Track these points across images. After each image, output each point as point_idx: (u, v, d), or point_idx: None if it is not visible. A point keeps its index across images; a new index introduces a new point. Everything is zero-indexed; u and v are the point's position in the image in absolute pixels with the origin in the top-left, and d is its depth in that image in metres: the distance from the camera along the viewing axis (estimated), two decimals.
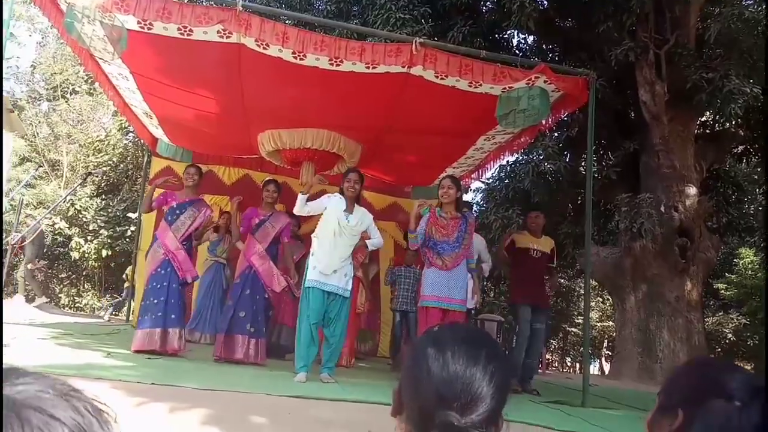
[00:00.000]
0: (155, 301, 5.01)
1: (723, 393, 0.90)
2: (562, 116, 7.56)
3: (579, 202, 9.89)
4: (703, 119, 9.82)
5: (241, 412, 2.85)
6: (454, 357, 0.86)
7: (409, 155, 7.21)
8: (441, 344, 0.88)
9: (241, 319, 5.19)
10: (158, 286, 5.05)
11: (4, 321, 5.75)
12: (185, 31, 4.60)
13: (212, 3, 7.31)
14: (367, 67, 4.81)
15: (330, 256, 4.54)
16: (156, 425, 2.56)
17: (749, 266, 12.22)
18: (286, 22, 6.57)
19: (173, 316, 5.02)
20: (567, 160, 9.52)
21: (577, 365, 21.31)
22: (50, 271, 14.93)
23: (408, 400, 0.88)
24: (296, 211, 4.71)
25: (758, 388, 0.88)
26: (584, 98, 5.14)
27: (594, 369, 19.79)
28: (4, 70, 15.47)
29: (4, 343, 4.20)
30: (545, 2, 8.92)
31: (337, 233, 4.57)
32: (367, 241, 4.83)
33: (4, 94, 11.68)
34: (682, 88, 7.81)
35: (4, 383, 0.52)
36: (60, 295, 14.48)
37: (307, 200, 4.68)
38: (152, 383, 3.15)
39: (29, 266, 9.13)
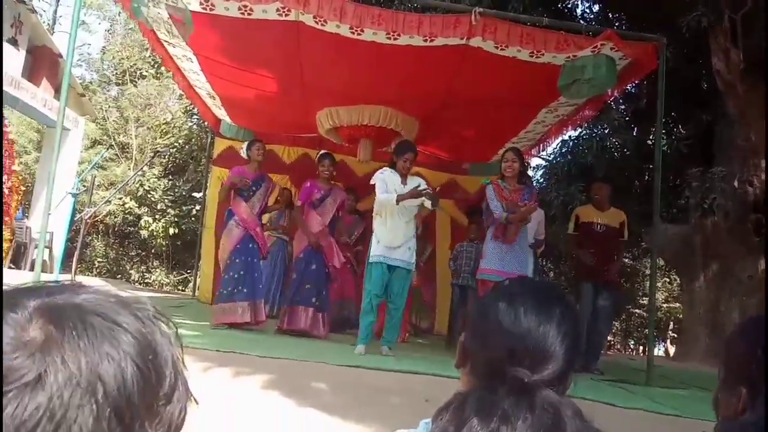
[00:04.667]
0: (236, 275, 5.14)
1: None
2: (629, 87, 7.27)
3: (647, 177, 9.50)
4: None
5: (301, 378, 2.92)
6: (527, 312, 0.83)
7: (468, 130, 7.10)
8: (513, 298, 0.85)
9: (306, 290, 5.29)
10: (244, 259, 5.20)
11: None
12: (245, 10, 4.67)
13: None
14: (425, 40, 4.75)
15: (394, 233, 4.60)
16: (220, 389, 2.66)
17: None
18: None
19: (260, 287, 5.29)
20: (634, 133, 9.15)
21: (640, 347, 20.69)
22: (121, 249, 15.68)
23: (475, 354, 0.86)
24: (388, 201, 4.70)
25: None
26: (653, 65, 4.90)
27: (658, 351, 19.15)
28: (76, 57, 16.13)
29: None
30: None
31: (397, 209, 4.60)
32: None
33: (76, 78, 12.22)
34: (759, 56, 7.32)
35: (67, 295, 0.53)
36: (130, 272, 15.18)
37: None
38: (217, 350, 3.27)
39: None
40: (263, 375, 2.84)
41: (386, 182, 4.69)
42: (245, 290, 5.10)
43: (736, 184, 7.67)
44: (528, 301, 0.84)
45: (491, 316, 0.85)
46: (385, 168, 4.85)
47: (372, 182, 4.83)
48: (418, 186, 4.70)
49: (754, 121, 7.96)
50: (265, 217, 7.40)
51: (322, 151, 5.92)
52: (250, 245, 5.24)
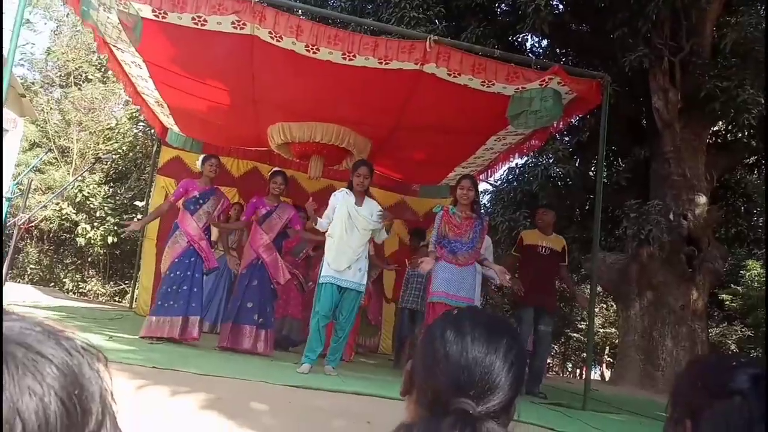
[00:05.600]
0: (178, 289, 5.00)
1: (723, 392, 0.86)
2: (573, 121, 7.56)
3: (587, 207, 9.84)
4: (715, 128, 9.75)
5: (241, 398, 2.85)
6: (474, 343, 0.84)
7: (419, 153, 7.20)
8: (461, 328, 0.86)
9: (249, 309, 5.19)
10: (181, 274, 5.05)
11: (7, 302, 5.78)
12: (199, 21, 4.61)
13: None
14: (380, 63, 4.81)
15: (343, 254, 4.54)
16: (156, 408, 2.56)
17: (755, 278, 12.14)
18: (301, 15, 6.56)
19: (194, 304, 5.06)
20: (576, 164, 9.48)
21: (578, 371, 21.21)
22: (56, 256, 15.01)
23: (421, 382, 0.87)
24: (321, 229, 4.71)
25: (757, 375, 0.85)
26: (597, 101, 5.12)
27: (595, 374, 19.70)
28: (18, 56, 15.52)
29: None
30: (560, 6, 8.88)
31: (348, 228, 4.57)
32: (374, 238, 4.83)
33: (17, 78, 11.74)
34: (696, 97, 7.75)
35: None
36: (64, 280, 14.54)
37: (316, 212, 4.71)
38: (153, 367, 3.15)
39: None
40: (201, 394, 2.75)
41: (335, 207, 4.67)
42: (176, 305, 4.95)
43: (671, 217, 8.03)
44: (475, 331, 0.85)
45: (438, 345, 0.85)
46: (342, 189, 4.82)
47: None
48: (372, 213, 4.69)
49: (689, 157, 8.40)
50: (214, 233, 7.27)
51: (275, 168, 5.86)
52: (192, 259, 5.11)
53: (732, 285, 12.62)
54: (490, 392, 0.80)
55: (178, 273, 5.05)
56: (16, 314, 0.51)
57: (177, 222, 5.29)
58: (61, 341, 0.51)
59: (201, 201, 5.24)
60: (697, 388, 0.92)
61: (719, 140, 9.89)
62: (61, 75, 16.84)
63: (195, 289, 5.09)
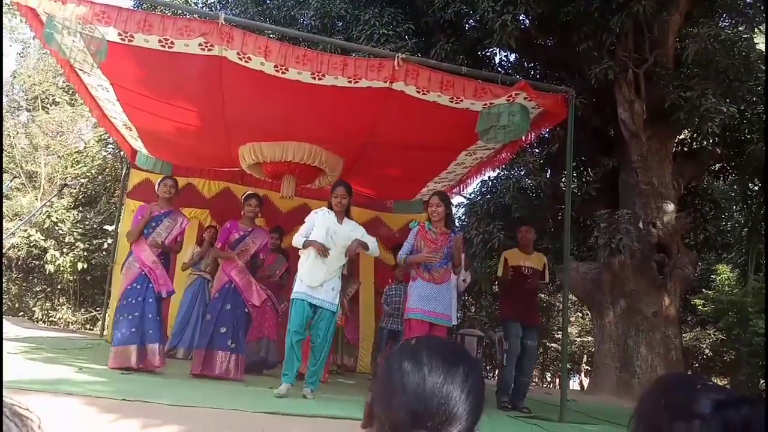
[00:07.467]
0: (129, 316, 4.85)
1: (684, 414, 0.87)
2: (543, 133, 7.67)
3: (559, 217, 9.96)
4: (681, 137, 9.97)
5: (212, 428, 2.79)
6: (431, 373, 0.83)
7: (392, 169, 7.21)
8: (418, 358, 0.86)
9: (221, 334, 5.10)
10: (133, 301, 4.90)
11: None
12: (166, 43, 4.58)
13: (195, 16, 7.30)
14: (350, 82, 4.82)
15: (318, 269, 4.52)
16: None
17: (726, 282, 12.36)
18: (270, 36, 6.56)
19: (151, 331, 4.88)
20: (548, 176, 9.60)
21: (557, 380, 21.29)
22: (24, 284, 14.63)
23: (380, 414, 0.86)
24: (295, 244, 4.68)
25: (720, 401, 0.87)
26: (563, 115, 5.20)
27: (573, 384, 19.78)
28: None
29: None
30: (527, 21, 9.04)
31: (325, 245, 4.55)
32: (367, 251, 4.84)
33: None
34: (661, 107, 7.93)
35: None
36: (34, 309, 14.16)
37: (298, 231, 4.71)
38: (123, 399, 3.07)
39: None
40: (174, 426, 2.69)
41: (315, 224, 4.65)
42: (129, 333, 4.79)
43: (641, 225, 8.17)
44: (432, 361, 0.85)
45: (396, 376, 0.85)
46: (321, 208, 4.81)
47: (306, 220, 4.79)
48: (352, 231, 4.69)
49: (656, 166, 8.57)
50: (187, 256, 7.15)
51: (249, 191, 5.79)
52: (145, 284, 4.94)
53: (704, 290, 12.83)
54: (448, 423, 0.80)
55: (130, 300, 4.91)
56: None
57: (132, 248, 5.16)
58: None
59: (153, 224, 5.13)
60: (660, 406, 0.92)
61: (685, 149, 10.12)
62: (27, 98, 16.56)
63: (149, 315, 4.89)
